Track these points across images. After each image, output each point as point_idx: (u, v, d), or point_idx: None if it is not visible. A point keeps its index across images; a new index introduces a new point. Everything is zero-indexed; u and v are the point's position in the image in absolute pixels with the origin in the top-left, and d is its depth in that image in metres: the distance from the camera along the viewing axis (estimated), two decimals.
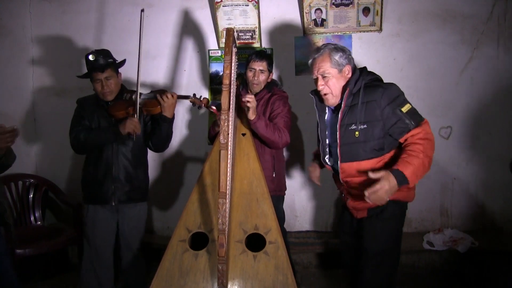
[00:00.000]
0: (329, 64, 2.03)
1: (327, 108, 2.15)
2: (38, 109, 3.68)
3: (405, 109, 1.96)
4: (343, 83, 2.06)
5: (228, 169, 1.90)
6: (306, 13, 3.33)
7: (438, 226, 3.41)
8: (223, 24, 3.39)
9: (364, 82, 2.04)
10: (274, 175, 2.60)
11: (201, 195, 2.15)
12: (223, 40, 3.39)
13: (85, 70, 2.52)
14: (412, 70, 3.38)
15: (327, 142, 2.14)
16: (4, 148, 1.94)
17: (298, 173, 3.53)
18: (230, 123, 1.96)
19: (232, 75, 2.04)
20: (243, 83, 2.72)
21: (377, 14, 3.29)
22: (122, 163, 2.51)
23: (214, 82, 3.55)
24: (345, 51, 2.07)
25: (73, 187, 3.61)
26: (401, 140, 1.98)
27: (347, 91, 2.03)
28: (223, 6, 3.34)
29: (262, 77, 2.60)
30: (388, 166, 1.98)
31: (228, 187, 1.84)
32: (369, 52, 3.38)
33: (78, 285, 2.59)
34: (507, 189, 3.35)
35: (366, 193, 1.85)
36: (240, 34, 3.40)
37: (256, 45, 3.44)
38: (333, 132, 2.09)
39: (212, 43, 3.53)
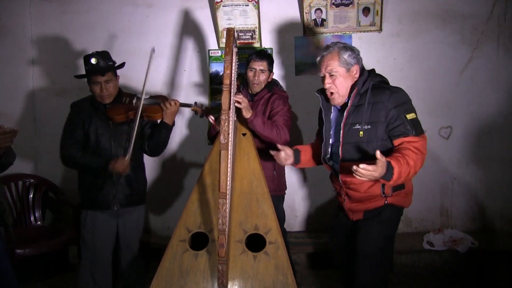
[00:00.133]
0: (337, 62, 2.02)
1: (333, 107, 2.14)
2: (38, 109, 3.67)
3: (410, 116, 1.95)
4: (350, 83, 2.05)
5: (228, 169, 1.90)
6: (306, 13, 3.33)
7: (438, 226, 3.41)
8: (223, 24, 3.39)
9: (372, 83, 2.04)
10: (274, 174, 2.60)
11: (201, 195, 2.15)
12: (223, 40, 3.39)
13: (84, 70, 2.50)
14: (412, 70, 3.38)
15: (331, 141, 2.14)
16: (3, 148, 1.94)
17: (299, 173, 3.53)
18: (231, 123, 1.96)
19: (233, 75, 2.04)
20: (243, 83, 2.72)
21: (377, 14, 3.29)
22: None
23: (214, 82, 3.55)
24: (354, 51, 2.06)
25: (73, 187, 3.59)
26: (396, 143, 1.96)
27: (355, 91, 2.03)
28: (223, 6, 3.34)
29: (263, 77, 2.60)
30: None
31: (228, 187, 1.84)
32: (369, 52, 3.38)
33: (76, 287, 2.56)
34: (507, 189, 3.35)
35: (358, 167, 1.74)
36: (240, 34, 3.40)
37: (256, 45, 3.44)
38: (337, 131, 2.09)
39: (212, 43, 3.53)
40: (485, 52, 3.32)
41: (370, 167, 1.76)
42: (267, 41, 3.47)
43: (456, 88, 3.37)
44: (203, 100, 3.57)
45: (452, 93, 3.37)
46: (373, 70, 2.12)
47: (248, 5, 3.32)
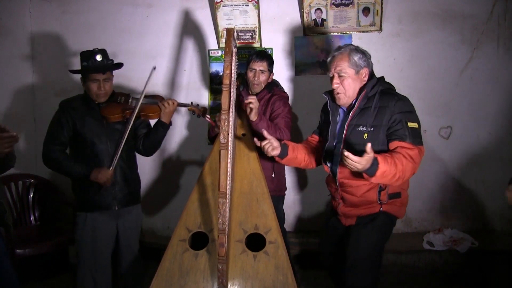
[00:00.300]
0: (347, 63, 2.03)
1: (340, 109, 2.14)
2: (38, 109, 3.67)
3: (411, 125, 1.97)
4: (358, 85, 2.06)
5: (228, 169, 1.90)
6: (306, 13, 3.33)
7: (438, 226, 3.41)
8: (223, 24, 3.39)
9: (381, 88, 2.05)
10: (273, 175, 2.60)
11: (201, 195, 2.15)
12: (223, 40, 3.39)
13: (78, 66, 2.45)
14: (412, 70, 3.38)
15: (334, 142, 2.14)
16: (3, 154, 1.92)
17: (299, 173, 3.53)
18: (231, 123, 1.96)
19: (232, 75, 2.04)
20: (243, 83, 2.72)
21: (377, 14, 3.29)
22: (119, 164, 2.44)
23: (214, 82, 3.55)
24: (366, 54, 2.08)
25: None
26: (391, 146, 1.97)
27: (363, 93, 2.04)
28: (223, 6, 3.34)
29: (263, 77, 2.60)
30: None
31: (228, 187, 1.84)
32: (369, 52, 3.37)
33: None
34: None
35: (348, 155, 1.76)
36: (240, 34, 3.40)
37: (256, 45, 3.44)
38: (341, 131, 2.09)
39: (212, 43, 3.53)
40: (485, 52, 3.32)
41: (355, 158, 1.76)
42: (267, 41, 3.46)
43: (456, 88, 3.36)
44: (203, 100, 3.57)
45: (452, 93, 3.37)
46: (382, 77, 2.13)
47: (248, 5, 3.32)
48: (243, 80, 2.74)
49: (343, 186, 2.11)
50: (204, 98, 3.58)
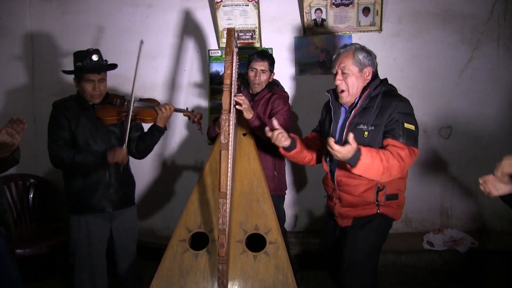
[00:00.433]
0: (351, 61, 2.04)
1: (342, 108, 2.15)
2: (38, 109, 3.67)
3: (407, 126, 1.97)
4: (361, 84, 2.07)
5: (229, 169, 1.90)
6: (306, 13, 3.33)
7: (438, 226, 3.41)
8: (223, 24, 3.39)
9: (384, 89, 2.06)
10: (274, 174, 2.60)
11: (202, 195, 2.15)
12: (223, 40, 3.40)
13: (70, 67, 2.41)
14: (412, 70, 3.38)
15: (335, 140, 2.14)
16: (16, 144, 1.90)
17: (298, 173, 3.53)
18: (231, 123, 1.96)
19: (233, 75, 2.04)
20: (244, 83, 2.72)
21: (377, 14, 3.29)
22: (114, 166, 2.40)
23: (214, 82, 3.55)
24: (371, 54, 2.09)
25: None
26: (384, 143, 1.98)
27: (366, 92, 2.05)
28: (223, 6, 3.34)
29: (264, 77, 2.60)
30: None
31: (228, 187, 1.84)
32: None
33: None
34: None
35: (330, 141, 1.82)
36: (240, 34, 3.40)
37: (256, 45, 3.44)
38: (342, 130, 2.10)
39: (212, 43, 3.53)
40: (485, 52, 3.32)
41: (336, 146, 1.81)
42: (267, 41, 3.46)
43: (456, 88, 3.37)
44: (203, 100, 3.57)
45: (452, 93, 3.37)
46: (386, 79, 2.14)
47: (248, 5, 3.32)
48: (243, 80, 2.74)
49: (340, 185, 2.11)
50: (204, 98, 3.58)
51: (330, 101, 2.17)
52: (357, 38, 3.37)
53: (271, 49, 3.45)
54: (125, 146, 2.33)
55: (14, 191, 3.33)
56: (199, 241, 2.03)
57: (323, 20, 3.35)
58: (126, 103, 2.43)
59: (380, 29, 3.35)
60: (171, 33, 3.55)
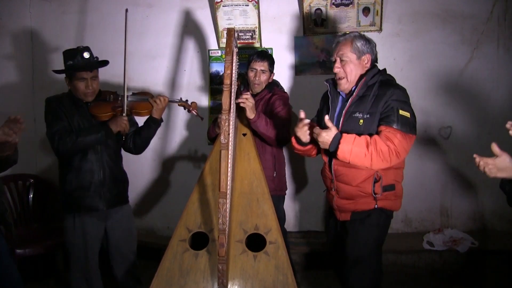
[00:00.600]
0: (349, 48, 2.06)
1: (340, 97, 2.15)
2: (38, 109, 3.66)
3: (402, 113, 1.97)
4: (360, 71, 2.08)
5: (229, 169, 1.90)
6: (306, 13, 3.33)
7: (438, 226, 3.41)
8: (223, 24, 3.39)
9: (381, 78, 2.06)
10: (274, 174, 2.60)
11: (202, 195, 2.15)
12: (223, 40, 3.40)
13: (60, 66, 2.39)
14: (412, 70, 3.38)
15: None
16: (13, 146, 1.90)
17: (299, 173, 3.53)
18: (231, 123, 1.96)
19: (233, 75, 2.04)
20: (244, 83, 2.72)
21: (377, 14, 3.29)
22: (107, 163, 2.39)
23: (214, 82, 3.55)
24: (370, 42, 2.10)
25: None
26: (378, 130, 1.99)
27: (362, 80, 2.05)
28: (223, 6, 3.34)
29: (264, 77, 2.60)
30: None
31: (228, 187, 1.84)
32: None
33: None
34: None
35: (318, 131, 1.98)
36: (240, 34, 3.40)
37: (256, 45, 3.44)
38: (338, 119, 2.11)
39: (212, 43, 3.53)
40: (485, 52, 3.33)
41: (317, 129, 1.97)
42: (267, 41, 3.46)
43: (456, 88, 3.37)
44: (203, 100, 3.57)
45: (452, 93, 3.37)
46: (384, 69, 2.15)
47: (248, 5, 3.32)
48: (243, 80, 2.74)
49: (337, 175, 2.11)
50: (204, 98, 3.58)
51: (329, 90, 2.18)
52: None
53: (271, 49, 3.45)
54: (124, 115, 2.33)
55: (14, 191, 3.33)
56: (199, 241, 2.03)
57: (323, 20, 3.35)
58: (120, 99, 2.41)
59: (380, 29, 3.35)
60: (171, 33, 3.55)
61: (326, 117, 1.96)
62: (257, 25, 3.37)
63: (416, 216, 3.46)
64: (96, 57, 2.40)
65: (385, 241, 2.17)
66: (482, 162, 1.67)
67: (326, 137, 1.94)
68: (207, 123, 3.53)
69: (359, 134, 1.98)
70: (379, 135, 1.96)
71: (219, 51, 3.51)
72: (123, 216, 2.51)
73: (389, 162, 1.95)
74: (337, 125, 2.09)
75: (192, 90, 3.58)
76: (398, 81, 2.13)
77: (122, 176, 2.52)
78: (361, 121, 2.01)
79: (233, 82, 2.03)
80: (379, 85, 2.04)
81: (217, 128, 2.53)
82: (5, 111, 3.35)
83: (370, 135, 1.98)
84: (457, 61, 3.35)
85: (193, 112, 2.52)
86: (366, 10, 3.30)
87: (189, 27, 3.54)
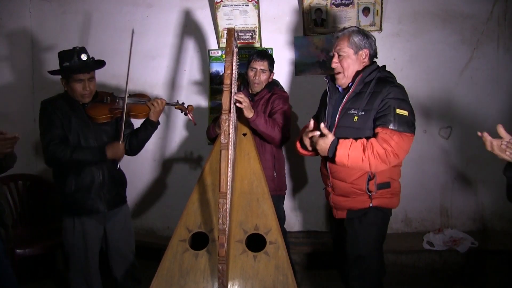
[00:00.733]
0: (346, 43, 2.06)
1: (338, 93, 2.15)
2: (38, 109, 3.66)
3: (399, 111, 1.95)
4: (357, 67, 2.07)
5: (229, 169, 1.90)
6: (306, 13, 3.33)
7: (438, 226, 3.41)
8: (223, 24, 3.39)
9: (379, 75, 2.06)
10: (274, 174, 2.60)
11: (202, 195, 2.15)
12: (223, 40, 3.40)
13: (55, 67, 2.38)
14: (412, 70, 3.38)
15: (328, 125, 2.13)
16: (3, 154, 1.92)
17: (298, 173, 3.53)
18: (231, 123, 1.96)
19: (233, 75, 2.04)
20: (244, 83, 2.73)
21: (377, 14, 3.29)
22: (106, 165, 2.37)
23: (214, 82, 3.55)
24: (368, 37, 2.09)
25: None
26: (375, 132, 1.99)
27: (359, 77, 2.05)
28: (223, 6, 3.34)
29: (263, 77, 2.61)
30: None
31: (228, 187, 1.84)
32: None
33: None
34: None
35: (316, 139, 2.01)
36: (240, 34, 3.40)
37: (256, 45, 3.44)
38: (334, 115, 2.11)
39: (212, 43, 3.53)
40: (485, 52, 3.32)
41: (318, 139, 1.98)
42: (267, 41, 3.46)
43: (456, 88, 3.37)
44: (203, 100, 3.57)
45: (452, 93, 3.37)
46: (384, 66, 2.14)
47: (248, 5, 3.32)
48: (243, 80, 2.74)
49: (333, 172, 2.11)
50: (204, 98, 3.58)
51: (328, 86, 2.18)
52: None
53: (271, 49, 3.45)
54: (121, 141, 2.32)
55: (14, 191, 3.33)
56: (199, 241, 2.03)
57: (323, 20, 3.35)
58: (117, 100, 2.40)
59: (380, 29, 3.35)
60: (171, 33, 3.55)
61: (322, 125, 1.97)
62: (257, 25, 3.37)
63: (416, 216, 3.46)
64: (92, 57, 2.38)
65: (385, 241, 2.17)
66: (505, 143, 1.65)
67: (323, 144, 1.97)
68: (207, 123, 3.53)
69: (351, 131, 1.99)
70: (376, 137, 1.96)
71: (219, 51, 3.51)
72: (122, 217, 2.51)
73: (388, 163, 1.95)
74: (333, 121, 2.09)
75: (192, 90, 3.58)
76: (398, 81, 2.13)
77: (120, 177, 2.52)
78: (356, 117, 2.01)
79: (233, 82, 2.03)
80: (376, 82, 2.03)
81: (217, 128, 2.53)
82: (5, 111, 3.38)
83: (366, 135, 1.98)
84: (457, 61, 3.35)
85: (189, 115, 2.52)
86: (366, 10, 3.30)
87: (189, 27, 3.54)
